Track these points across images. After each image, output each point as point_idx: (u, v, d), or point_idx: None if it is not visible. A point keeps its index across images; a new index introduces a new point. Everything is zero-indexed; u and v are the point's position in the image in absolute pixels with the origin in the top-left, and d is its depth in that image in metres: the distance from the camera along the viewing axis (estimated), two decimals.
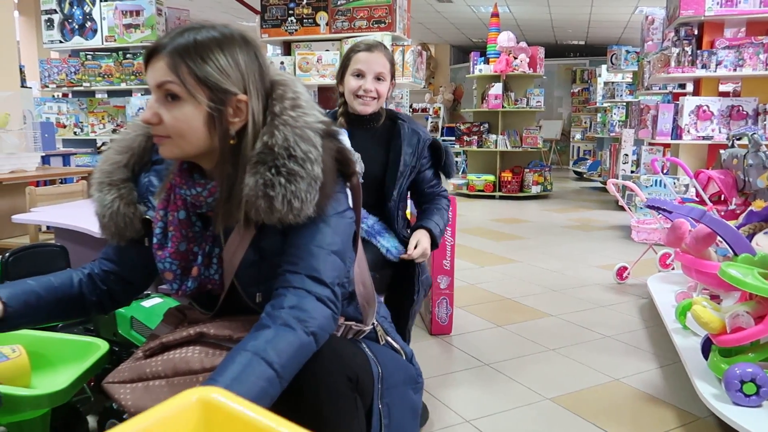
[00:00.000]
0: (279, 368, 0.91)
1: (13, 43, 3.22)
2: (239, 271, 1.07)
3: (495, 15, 7.62)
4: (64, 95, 5.55)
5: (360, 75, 1.87)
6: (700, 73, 4.38)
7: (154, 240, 1.10)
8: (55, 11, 5.29)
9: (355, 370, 1.04)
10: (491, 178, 7.44)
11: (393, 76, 1.93)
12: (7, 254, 1.85)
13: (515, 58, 7.24)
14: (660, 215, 3.15)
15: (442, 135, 11.86)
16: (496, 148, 7.39)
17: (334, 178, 1.06)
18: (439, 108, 12.39)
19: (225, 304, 1.13)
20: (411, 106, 10.59)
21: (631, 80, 8.15)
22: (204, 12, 9.88)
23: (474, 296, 3.23)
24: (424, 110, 12.37)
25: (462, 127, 7.70)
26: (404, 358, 1.28)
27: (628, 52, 7.80)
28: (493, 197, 7.39)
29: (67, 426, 1.50)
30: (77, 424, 1.52)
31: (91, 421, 1.64)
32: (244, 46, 1.03)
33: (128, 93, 5.30)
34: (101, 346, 1.51)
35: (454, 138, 8.53)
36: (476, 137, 7.50)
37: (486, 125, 7.54)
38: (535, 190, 7.41)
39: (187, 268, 1.10)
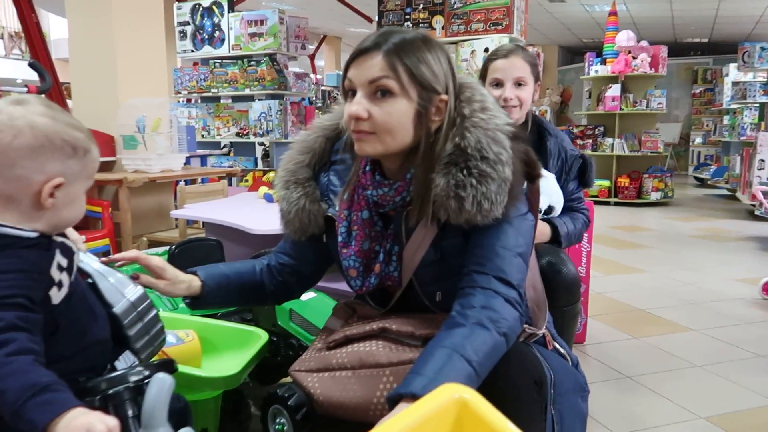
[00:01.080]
0: (477, 366, 0.91)
1: (162, 54, 3.50)
2: (418, 270, 1.09)
3: (613, 13, 7.29)
4: (188, 100, 5.96)
5: (498, 84, 1.80)
6: None
7: (339, 238, 1.14)
8: (188, 23, 5.70)
9: (540, 374, 1.03)
10: (606, 183, 7.11)
11: (537, 78, 1.86)
12: (173, 246, 2.01)
13: (635, 58, 6.88)
14: None
15: None
16: (612, 152, 7.06)
17: (521, 180, 1.06)
18: (546, 110, 12.05)
19: (398, 302, 1.15)
20: None
21: (765, 80, 7.49)
22: (320, 20, 10.25)
23: (603, 305, 3.10)
24: None
25: (575, 130, 7.44)
26: (570, 364, 1.24)
27: (763, 49, 7.18)
28: (608, 203, 7.06)
29: (234, 409, 1.59)
30: (242, 408, 1.61)
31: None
32: (441, 49, 1.06)
33: (251, 98, 5.59)
34: (262, 336, 1.59)
35: None
36: (590, 141, 7.21)
37: (601, 128, 7.23)
38: (655, 196, 7.00)
39: (368, 266, 1.14)
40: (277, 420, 1.57)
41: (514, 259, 1.04)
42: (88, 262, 1.06)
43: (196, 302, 1.22)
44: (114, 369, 1.00)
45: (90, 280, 1.03)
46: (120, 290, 1.03)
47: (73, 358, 0.83)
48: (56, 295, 0.91)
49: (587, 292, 2.50)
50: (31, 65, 2.42)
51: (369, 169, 1.12)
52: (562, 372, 1.16)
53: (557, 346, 1.24)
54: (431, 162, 1.04)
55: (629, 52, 6.92)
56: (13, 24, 15.61)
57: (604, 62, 7.16)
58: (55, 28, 13.04)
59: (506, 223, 1.05)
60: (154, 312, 1.07)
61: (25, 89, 2.26)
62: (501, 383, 0.97)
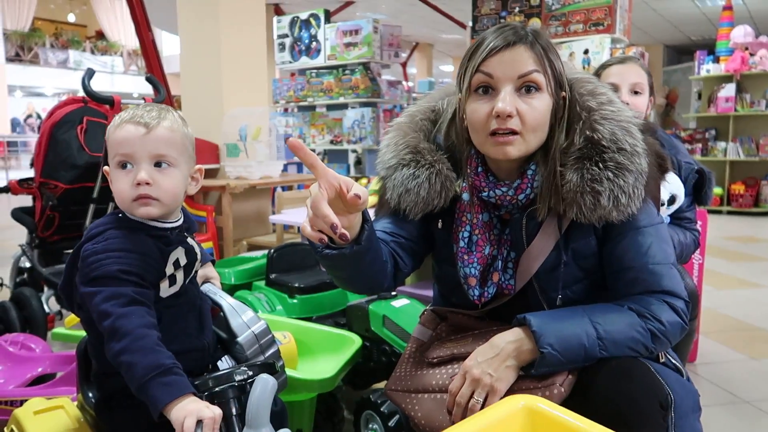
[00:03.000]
0: (602, 331, 0.94)
1: (263, 67, 3.66)
2: (542, 274, 1.04)
3: (728, 8, 6.78)
4: (285, 109, 6.18)
5: (614, 89, 1.73)
6: None
7: (461, 244, 1.08)
8: (287, 35, 5.92)
9: (665, 396, 0.95)
10: (718, 190, 6.60)
11: (652, 92, 1.78)
12: (272, 250, 2.09)
13: (752, 55, 6.36)
14: None
15: None
16: (725, 157, 6.55)
17: (656, 174, 1.02)
18: (649, 114, 11.39)
19: (504, 306, 1.09)
20: None
21: None
22: (412, 27, 10.32)
23: (716, 322, 2.87)
24: None
25: (682, 134, 6.98)
26: (684, 379, 1.14)
27: None
28: (719, 212, 6.55)
29: (328, 412, 1.62)
30: (336, 411, 1.63)
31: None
32: None
33: (344, 106, 5.72)
34: (356, 341, 1.61)
35: None
36: (700, 145, 6.74)
37: (713, 131, 6.73)
38: None
39: (484, 274, 1.08)
40: (370, 425, 1.58)
41: (670, 270, 1.01)
42: (222, 296, 1.15)
43: (341, 249, 0.94)
44: (216, 369, 1.05)
45: (222, 314, 1.12)
46: (246, 323, 1.11)
47: (177, 356, 0.90)
48: (165, 290, 0.98)
49: (699, 307, 2.31)
50: (147, 79, 2.61)
51: (481, 171, 1.07)
52: (680, 390, 1.05)
53: (670, 358, 1.15)
54: (553, 158, 1.01)
55: (746, 49, 6.40)
56: (132, 43, 17.01)
57: (716, 60, 6.67)
58: (166, 45, 14.05)
59: (648, 236, 1.01)
60: (275, 348, 1.13)
61: (143, 101, 2.44)
62: (624, 405, 0.91)
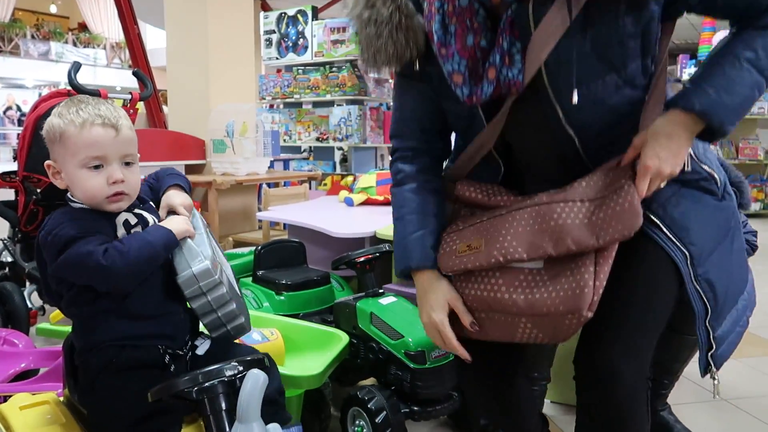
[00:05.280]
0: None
1: (251, 61, 3.65)
2: (551, 66, 0.90)
3: None
4: (271, 106, 6.15)
5: None
6: None
7: (435, 38, 0.95)
8: (274, 31, 5.89)
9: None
10: None
11: None
12: (260, 247, 2.09)
13: None
14: None
15: None
16: None
17: None
18: None
19: (516, 112, 0.97)
20: None
21: None
22: None
23: None
24: None
25: None
26: (716, 184, 1.03)
27: None
28: None
29: (314, 409, 1.62)
30: (322, 408, 1.64)
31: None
32: None
33: (331, 104, 5.71)
34: (343, 338, 1.62)
35: None
36: None
37: None
38: (754, 207, 6.52)
39: (475, 70, 0.95)
40: (357, 422, 1.59)
41: None
42: (196, 224, 1.14)
43: None
44: (195, 347, 1.09)
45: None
46: (188, 260, 1.03)
47: (151, 319, 0.99)
48: None
49: None
50: (134, 73, 2.58)
51: None
52: (698, 228, 0.97)
53: (704, 167, 1.02)
54: None
55: None
56: (115, 36, 16.81)
57: (699, 64, 6.77)
58: (151, 38, 13.88)
59: None
60: (221, 291, 1.04)
61: (129, 95, 2.41)
62: None
